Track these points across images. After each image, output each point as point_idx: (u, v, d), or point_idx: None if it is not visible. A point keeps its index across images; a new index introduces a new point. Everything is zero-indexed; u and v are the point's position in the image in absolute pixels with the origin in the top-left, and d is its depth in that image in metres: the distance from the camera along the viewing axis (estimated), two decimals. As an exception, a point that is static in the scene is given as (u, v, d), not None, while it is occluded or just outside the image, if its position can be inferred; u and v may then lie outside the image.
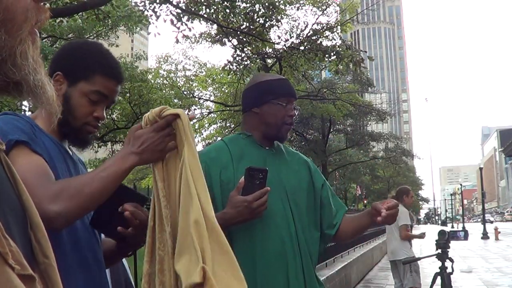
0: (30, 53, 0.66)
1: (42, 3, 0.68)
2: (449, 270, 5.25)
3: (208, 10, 11.84)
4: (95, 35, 17.31)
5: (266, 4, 12.41)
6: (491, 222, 58.15)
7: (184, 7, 11.10)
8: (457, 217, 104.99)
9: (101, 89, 1.46)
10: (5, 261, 0.57)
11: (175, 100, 23.34)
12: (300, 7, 17.55)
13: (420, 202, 73.39)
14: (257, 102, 1.94)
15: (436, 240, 5.39)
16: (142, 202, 1.45)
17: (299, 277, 1.81)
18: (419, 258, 6.03)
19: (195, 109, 26.06)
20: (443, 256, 5.21)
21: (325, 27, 14.85)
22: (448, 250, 5.25)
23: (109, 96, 1.49)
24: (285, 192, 1.89)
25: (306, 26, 15.75)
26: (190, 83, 26.05)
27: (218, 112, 24.40)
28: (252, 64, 14.62)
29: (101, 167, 1.31)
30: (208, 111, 25.94)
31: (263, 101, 1.93)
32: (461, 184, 64.82)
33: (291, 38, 15.09)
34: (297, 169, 1.99)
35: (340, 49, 11.95)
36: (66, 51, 1.52)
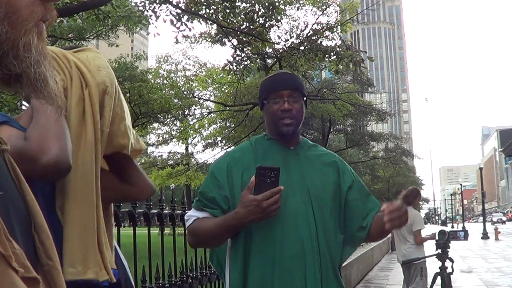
0: (34, 45, 0.65)
1: (48, 3, 0.67)
2: (449, 270, 5.25)
3: (208, 10, 11.84)
4: (95, 35, 17.30)
5: (266, 4, 12.41)
6: (503, 222, 56.89)
7: (184, 7, 11.10)
8: (457, 217, 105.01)
9: None
10: (8, 264, 0.57)
11: (175, 100, 23.34)
12: (300, 7, 17.55)
13: (420, 202, 73.34)
14: (260, 106, 1.97)
15: (436, 240, 5.39)
16: None
17: (317, 279, 1.78)
18: (419, 258, 6.02)
19: (195, 109, 26.08)
20: (443, 256, 5.21)
21: (325, 27, 14.85)
22: (448, 250, 5.25)
23: None
24: (307, 193, 1.85)
25: (306, 26, 15.75)
26: (190, 83, 26.04)
27: (218, 112, 24.38)
28: (252, 64, 14.62)
29: None
30: (208, 111, 25.94)
31: (262, 104, 1.94)
32: (461, 184, 64.81)
33: (291, 38, 15.09)
34: (323, 169, 1.94)
35: (340, 49, 11.96)
36: None
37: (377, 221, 1.92)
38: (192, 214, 1.89)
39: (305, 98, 1.95)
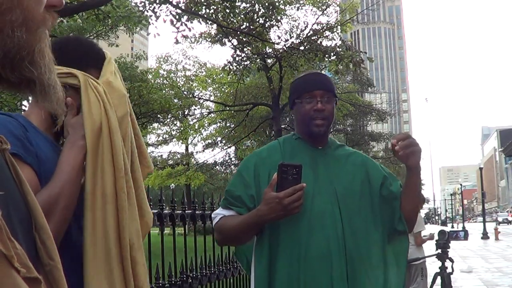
0: (47, 52, 0.66)
1: (52, 10, 0.69)
2: (449, 270, 5.25)
3: (208, 10, 11.84)
4: (95, 35, 17.31)
5: (266, 4, 12.41)
6: (510, 222, 56.16)
7: (184, 7, 11.10)
8: (457, 217, 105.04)
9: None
10: (11, 264, 0.57)
11: (175, 100, 23.35)
12: (300, 7, 17.55)
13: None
14: (291, 106, 1.98)
15: (436, 240, 5.38)
16: None
17: (344, 280, 1.78)
18: (419, 259, 6.01)
19: (195, 109, 26.09)
20: (443, 256, 5.21)
21: (325, 27, 14.86)
22: (448, 250, 5.24)
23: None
24: (334, 193, 1.84)
25: (306, 26, 15.76)
26: (190, 83, 26.05)
27: (218, 112, 24.38)
28: (252, 64, 14.62)
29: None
30: (208, 111, 25.94)
31: (292, 103, 1.95)
32: (461, 184, 64.78)
33: (291, 38, 15.10)
34: (351, 169, 1.93)
35: (340, 49, 11.96)
36: (57, 48, 1.50)
37: (403, 201, 1.93)
38: (218, 212, 1.91)
39: (336, 100, 1.97)
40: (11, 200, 0.66)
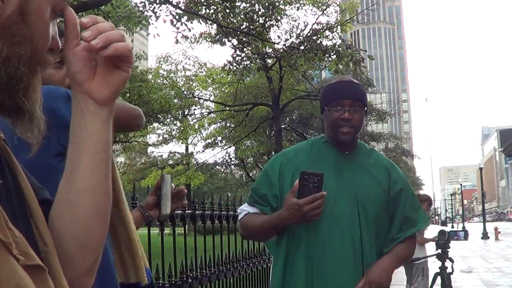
0: (39, 87, 0.70)
1: (50, 52, 0.72)
2: (449, 270, 5.25)
3: (208, 10, 11.85)
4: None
5: (266, 4, 12.42)
6: None
7: (183, 7, 11.10)
8: (457, 217, 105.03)
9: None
10: (9, 251, 0.57)
11: (175, 100, 23.35)
12: (300, 7, 17.55)
13: (420, 203, 73.26)
14: (320, 110, 2.03)
15: (436, 240, 5.38)
16: None
17: (357, 282, 1.81)
18: (419, 259, 6.01)
19: (195, 109, 26.10)
20: (443, 256, 5.21)
21: (325, 27, 14.85)
22: (448, 250, 5.24)
23: None
24: (355, 198, 1.88)
25: (306, 26, 15.76)
26: (190, 83, 26.06)
27: (218, 112, 24.39)
28: (252, 64, 14.62)
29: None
30: (208, 111, 25.95)
31: (322, 109, 1.99)
32: (461, 184, 64.75)
33: (291, 38, 15.10)
34: (375, 175, 1.96)
35: (340, 48, 11.96)
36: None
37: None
38: (244, 208, 1.99)
39: (366, 108, 1.98)
40: (8, 188, 0.67)
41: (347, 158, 1.96)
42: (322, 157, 1.95)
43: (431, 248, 6.13)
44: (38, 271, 0.61)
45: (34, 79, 0.69)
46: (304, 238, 1.83)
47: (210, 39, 18.32)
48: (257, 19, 12.56)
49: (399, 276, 8.90)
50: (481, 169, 37.35)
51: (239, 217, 2.01)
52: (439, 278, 5.29)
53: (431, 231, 9.11)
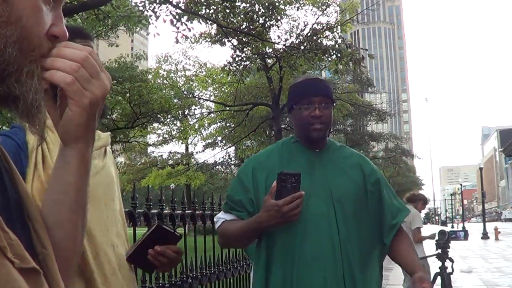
0: (37, 74, 0.68)
1: (55, 42, 0.71)
2: (449, 270, 5.25)
3: (208, 10, 11.84)
4: (95, 35, 17.29)
5: (266, 4, 12.41)
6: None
7: (183, 7, 11.10)
8: (457, 217, 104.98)
9: None
10: (3, 254, 0.57)
11: (175, 100, 23.34)
12: (300, 7, 17.53)
13: (415, 202, 73.16)
14: (288, 109, 2.01)
15: (436, 240, 5.39)
16: (175, 240, 1.59)
17: (339, 282, 1.79)
18: (419, 258, 6.02)
19: (195, 109, 26.08)
20: (443, 256, 5.21)
21: (325, 27, 14.85)
22: (448, 250, 5.25)
23: None
24: (330, 195, 1.87)
25: (306, 26, 15.75)
26: (190, 83, 26.03)
27: (218, 112, 24.38)
28: (252, 64, 14.61)
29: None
30: (208, 111, 25.94)
31: (290, 108, 1.98)
32: (461, 184, 64.73)
33: (291, 38, 15.09)
34: (348, 171, 1.96)
35: (340, 47, 11.95)
36: None
37: (399, 253, 1.97)
38: (220, 217, 1.96)
39: (334, 104, 2.00)
40: (7, 191, 0.66)
41: (319, 156, 1.95)
42: (293, 158, 1.93)
43: (430, 248, 6.13)
44: (33, 274, 0.61)
45: (29, 63, 0.67)
46: (281, 240, 1.82)
47: (210, 39, 18.30)
48: (257, 19, 12.55)
49: (399, 276, 8.87)
50: (481, 169, 37.34)
51: (216, 226, 1.97)
52: (439, 278, 5.29)
53: (430, 229, 9.11)
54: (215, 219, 2.02)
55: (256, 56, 13.90)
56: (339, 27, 16.49)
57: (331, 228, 1.82)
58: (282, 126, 20.20)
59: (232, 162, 27.33)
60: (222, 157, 26.63)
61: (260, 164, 1.94)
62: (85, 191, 0.76)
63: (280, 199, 1.71)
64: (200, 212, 3.11)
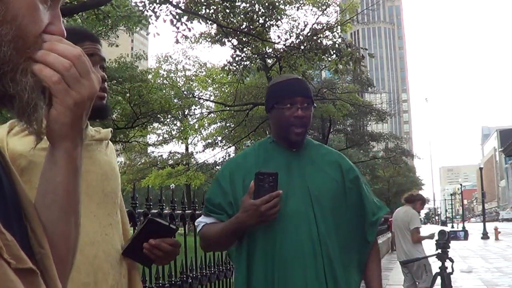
0: (31, 73, 0.67)
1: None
2: (449, 270, 5.25)
3: (208, 10, 11.84)
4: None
5: (266, 4, 12.40)
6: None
7: (183, 7, 11.10)
8: (457, 217, 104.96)
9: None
10: (0, 255, 0.57)
11: (175, 100, 23.34)
12: (300, 7, 17.54)
13: (414, 202, 73.12)
14: (267, 108, 1.97)
15: (436, 240, 5.39)
16: (170, 233, 1.59)
17: (320, 279, 1.79)
18: (419, 258, 6.03)
19: (195, 109, 26.09)
20: (443, 256, 5.21)
21: (325, 27, 14.85)
22: (448, 250, 5.25)
23: (94, 53, 1.50)
24: (308, 194, 1.87)
25: (306, 26, 15.74)
26: (190, 83, 26.04)
27: (218, 112, 24.38)
28: (252, 64, 14.61)
29: None
30: (208, 111, 25.94)
31: (270, 107, 1.94)
32: (461, 184, 64.73)
33: (290, 38, 15.08)
34: (326, 169, 1.96)
35: (340, 47, 11.95)
36: None
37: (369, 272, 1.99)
38: (201, 220, 1.96)
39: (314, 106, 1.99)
40: (4, 191, 0.66)
41: (296, 155, 1.94)
42: (270, 158, 1.93)
43: (431, 248, 6.13)
44: (30, 274, 0.60)
45: (25, 62, 0.66)
46: (261, 241, 1.82)
47: (210, 39, 18.30)
48: (257, 19, 12.54)
49: (399, 276, 8.87)
50: (481, 169, 37.34)
51: (198, 230, 1.97)
52: (439, 278, 5.30)
53: (430, 229, 9.11)
54: (196, 223, 2.01)
55: (256, 56, 13.90)
56: (339, 27, 16.49)
57: (310, 225, 1.83)
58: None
59: (232, 162, 27.28)
60: (222, 157, 26.63)
61: (237, 166, 1.94)
62: (75, 190, 0.75)
63: (258, 199, 1.72)
64: (200, 212, 3.11)
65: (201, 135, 26.93)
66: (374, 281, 1.98)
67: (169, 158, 29.67)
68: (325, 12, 17.81)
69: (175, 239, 1.62)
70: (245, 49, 13.77)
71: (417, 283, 6.50)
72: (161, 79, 24.94)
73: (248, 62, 14.33)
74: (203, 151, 26.95)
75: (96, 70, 1.53)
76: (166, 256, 1.58)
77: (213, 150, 26.34)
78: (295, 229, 1.82)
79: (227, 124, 25.16)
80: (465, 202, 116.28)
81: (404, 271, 6.78)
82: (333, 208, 1.90)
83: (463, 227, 32.58)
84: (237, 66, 14.14)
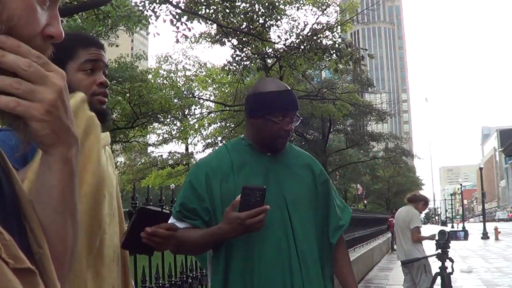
0: None
1: (49, 41, 0.70)
2: (449, 270, 5.25)
3: (207, 10, 11.84)
4: (95, 35, 17.29)
5: (266, 4, 12.41)
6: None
7: (183, 7, 11.10)
8: (457, 217, 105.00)
9: (88, 57, 1.52)
10: None
11: (175, 100, 23.34)
12: (300, 7, 17.54)
13: (417, 202, 73.15)
14: (253, 114, 1.92)
15: (436, 240, 5.39)
16: (164, 218, 1.61)
17: (298, 284, 1.80)
18: (419, 258, 6.03)
19: (195, 109, 26.09)
20: (443, 256, 5.21)
21: (325, 27, 14.85)
22: (448, 250, 5.25)
23: (99, 59, 1.55)
24: (284, 199, 1.87)
25: (306, 26, 15.75)
26: (190, 83, 26.04)
27: (218, 112, 24.39)
28: (252, 64, 14.61)
29: None
30: (208, 111, 25.94)
31: (258, 114, 1.90)
32: (461, 184, 64.70)
33: (290, 38, 15.08)
34: (299, 173, 1.96)
35: (340, 47, 11.95)
36: None
37: (341, 269, 2.02)
38: None
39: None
40: (3, 191, 0.66)
41: (272, 160, 1.93)
42: (246, 163, 1.91)
43: (431, 248, 6.13)
44: (28, 274, 0.60)
45: None
46: (239, 248, 1.81)
47: (210, 39, 18.30)
48: (257, 19, 12.55)
49: (399, 276, 8.88)
50: (481, 169, 37.31)
51: None
52: (439, 278, 5.30)
53: (430, 229, 9.12)
54: None
55: (256, 56, 13.91)
56: (339, 27, 16.49)
57: (287, 232, 1.83)
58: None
59: (232, 162, 27.31)
60: (222, 157, 26.62)
61: (212, 170, 1.88)
62: (71, 192, 0.74)
63: (244, 212, 1.69)
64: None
65: (201, 135, 26.95)
66: (349, 276, 2.01)
67: (169, 158, 29.69)
68: (325, 12, 17.82)
69: (170, 223, 1.62)
70: (245, 49, 13.78)
71: (416, 283, 6.50)
72: (161, 79, 24.94)
73: (248, 62, 14.34)
74: (203, 151, 26.96)
75: (98, 75, 1.55)
76: (165, 241, 1.60)
77: (213, 150, 26.36)
78: (273, 236, 1.81)
79: (227, 124, 25.17)
80: (465, 202, 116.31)
81: (404, 271, 6.78)
82: (308, 213, 1.91)
83: (463, 227, 32.59)
84: (237, 66, 14.15)
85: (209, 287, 3.27)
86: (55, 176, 0.72)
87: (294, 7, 17.25)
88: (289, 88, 1.98)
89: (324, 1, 17.85)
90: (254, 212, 1.69)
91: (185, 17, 11.13)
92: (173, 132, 26.55)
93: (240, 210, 1.70)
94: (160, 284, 2.60)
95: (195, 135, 26.82)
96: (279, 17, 13.61)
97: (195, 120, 25.62)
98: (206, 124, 26.04)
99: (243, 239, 1.79)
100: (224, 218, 1.74)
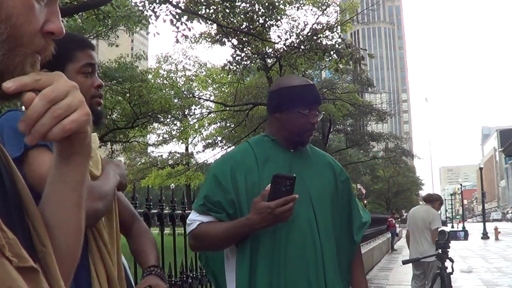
0: (27, 70, 0.67)
1: (49, 38, 0.70)
2: (449, 270, 5.25)
3: (207, 10, 11.84)
4: (95, 35, 17.30)
5: (266, 4, 12.41)
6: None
7: (183, 7, 11.10)
8: (457, 217, 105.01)
9: (87, 60, 1.54)
10: (2, 253, 0.57)
11: (175, 100, 23.34)
12: (300, 7, 17.53)
13: (421, 203, 73.17)
14: (279, 108, 1.93)
15: (436, 240, 5.39)
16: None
17: (320, 282, 1.80)
18: (419, 259, 6.02)
19: (195, 109, 26.09)
20: (443, 256, 5.21)
21: (325, 27, 14.85)
22: (448, 250, 5.25)
23: (94, 63, 1.58)
24: (308, 196, 1.88)
25: (306, 26, 15.75)
26: (190, 83, 26.04)
27: (218, 112, 24.38)
28: (252, 64, 14.61)
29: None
30: (208, 111, 25.94)
31: (284, 108, 1.91)
32: (461, 184, 64.63)
33: (290, 37, 15.08)
34: (322, 171, 1.98)
35: (340, 47, 11.95)
36: None
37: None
38: (195, 219, 1.88)
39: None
40: (6, 189, 0.66)
41: (295, 156, 1.95)
42: (270, 158, 1.92)
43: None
44: (31, 272, 0.61)
45: (21, 63, 0.66)
46: (265, 242, 1.81)
47: (210, 39, 18.30)
48: (257, 19, 12.55)
49: (399, 276, 8.91)
50: (481, 169, 37.30)
51: (190, 228, 1.89)
52: (439, 278, 5.29)
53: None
54: (188, 221, 1.94)
55: (256, 56, 13.91)
56: (339, 27, 16.49)
57: (312, 228, 1.84)
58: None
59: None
60: (222, 157, 26.62)
61: (237, 163, 1.89)
62: (82, 199, 0.75)
63: (273, 201, 1.70)
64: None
65: (201, 135, 26.95)
66: (362, 284, 2.03)
67: (169, 158, 29.67)
68: (325, 12, 17.81)
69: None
70: (245, 49, 13.78)
71: (427, 284, 6.43)
72: (161, 79, 24.94)
73: (248, 62, 14.34)
74: (203, 151, 26.97)
75: (95, 78, 1.57)
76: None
77: (213, 150, 26.34)
78: (299, 233, 1.82)
79: (227, 124, 25.17)
80: (465, 202, 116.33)
81: (415, 271, 6.70)
82: (331, 211, 1.92)
83: (463, 227, 32.58)
84: (237, 66, 14.15)
85: (209, 287, 3.27)
86: (71, 187, 0.73)
87: (294, 7, 17.24)
88: (312, 83, 2.00)
89: (324, 1, 17.84)
90: (283, 200, 1.70)
91: (185, 17, 11.13)
92: (173, 132, 26.54)
93: (270, 199, 1.71)
94: (160, 284, 2.59)
95: (195, 135, 26.82)
96: (279, 17, 13.60)
97: (195, 120, 25.62)
98: (206, 124, 26.03)
99: (269, 233, 1.79)
100: (252, 208, 1.74)
